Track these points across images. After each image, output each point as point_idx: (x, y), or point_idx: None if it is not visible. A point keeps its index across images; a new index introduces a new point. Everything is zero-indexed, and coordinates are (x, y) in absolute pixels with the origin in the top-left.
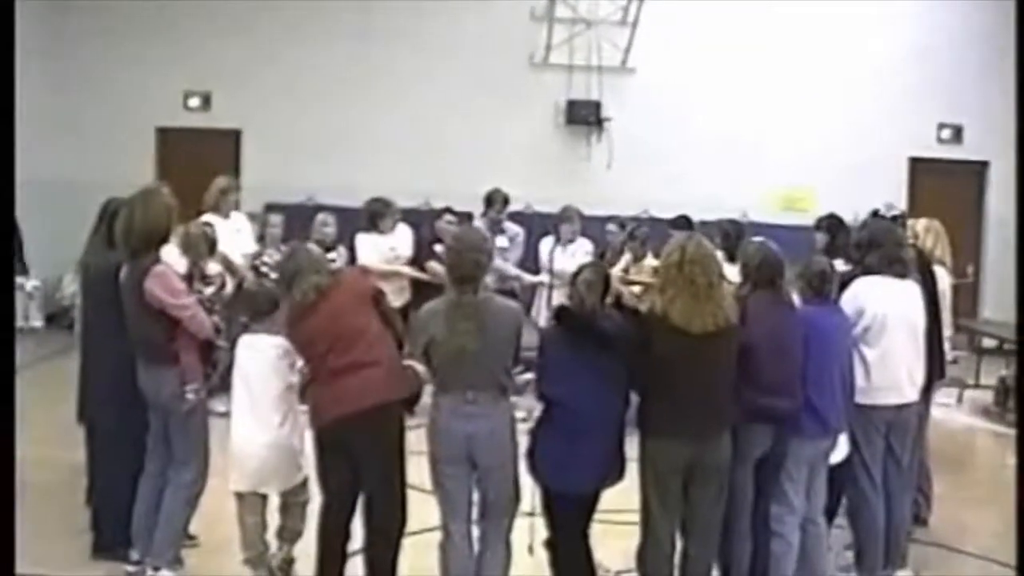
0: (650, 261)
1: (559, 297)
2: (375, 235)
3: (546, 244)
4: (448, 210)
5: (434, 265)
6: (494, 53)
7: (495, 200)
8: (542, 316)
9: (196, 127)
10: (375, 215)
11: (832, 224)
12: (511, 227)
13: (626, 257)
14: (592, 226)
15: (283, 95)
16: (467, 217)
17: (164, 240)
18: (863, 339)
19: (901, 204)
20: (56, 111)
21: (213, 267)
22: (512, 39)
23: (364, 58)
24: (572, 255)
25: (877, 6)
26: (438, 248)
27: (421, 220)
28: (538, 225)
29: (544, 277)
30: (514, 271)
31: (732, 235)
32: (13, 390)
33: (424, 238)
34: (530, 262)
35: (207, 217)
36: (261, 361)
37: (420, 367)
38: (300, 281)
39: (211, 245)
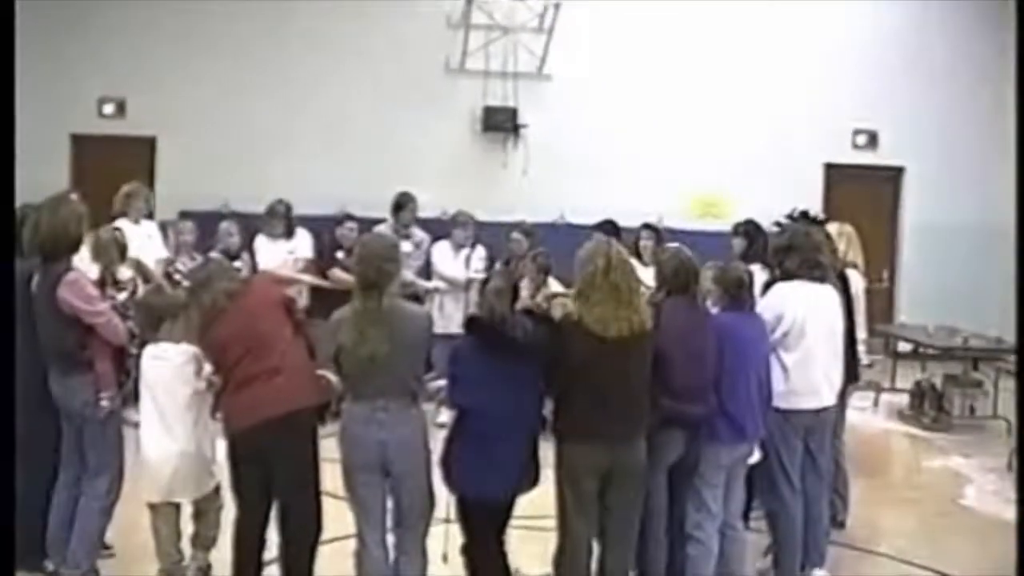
0: (553, 287)
1: (450, 303)
2: (275, 239)
3: (439, 249)
4: (349, 216)
5: (336, 272)
6: (410, 59)
7: (404, 205)
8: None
9: (111, 134)
10: (273, 216)
11: (749, 229)
12: (417, 233)
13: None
14: (506, 233)
15: (199, 102)
16: (370, 223)
17: (74, 247)
18: (782, 344)
19: (817, 209)
20: None
21: (125, 272)
22: (428, 45)
23: (280, 64)
24: (466, 260)
25: (791, 12)
26: (340, 255)
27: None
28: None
29: (437, 283)
30: (410, 277)
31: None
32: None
33: (326, 245)
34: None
35: (118, 223)
36: (167, 369)
37: (331, 375)
38: (210, 287)
39: (121, 250)
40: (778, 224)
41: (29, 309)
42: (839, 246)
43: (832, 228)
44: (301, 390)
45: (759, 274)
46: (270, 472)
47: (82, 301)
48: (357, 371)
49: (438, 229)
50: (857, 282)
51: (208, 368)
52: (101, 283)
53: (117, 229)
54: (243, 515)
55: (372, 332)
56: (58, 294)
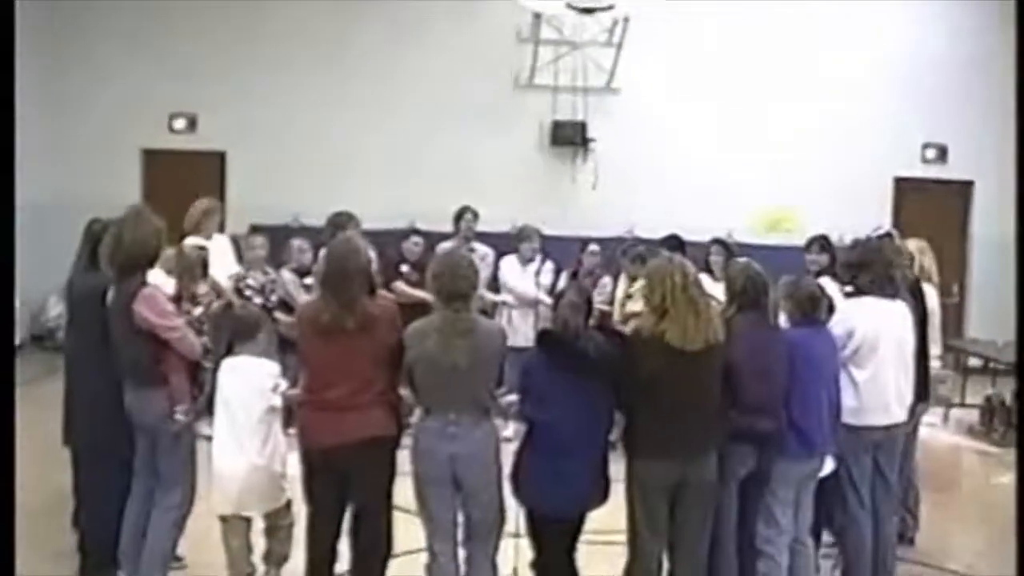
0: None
1: (517, 316)
2: None
3: (507, 263)
4: (414, 231)
5: (400, 285)
6: (479, 75)
7: (460, 215)
8: None
9: (181, 149)
10: (338, 228)
11: (828, 244)
12: (480, 248)
13: (622, 279)
14: (575, 247)
15: (268, 117)
16: (438, 237)
17: (152, 262)
18: (852, 360)
19: (886, 224)
20: (42, 132)
21: (201, 287)
22: (497, 60)
23: (350, 80)
24: (534, 275)
25: (862, 26)
26: (404, 268)
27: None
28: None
29: (506, 296)
30: (480, 291)
31: (734, 253)
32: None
33: (390, 259)
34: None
35: (190, 239)
36: (243, 384)
37: (405, 392)
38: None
39: (204, 267)
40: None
41: (104, 323)
42: (923, 262)
43: (911, 243)
44: (387, 419)
45: (832, 288)
46: (346, 486)
47: (158, 316)
48: (435, 383)
49: (506, 244)
50: (933, 298)
51: (284, 384)
52: (177, 298)
53: (202, 247)
54: (315, 527)
55: (458, 343)
56: (134, 309)
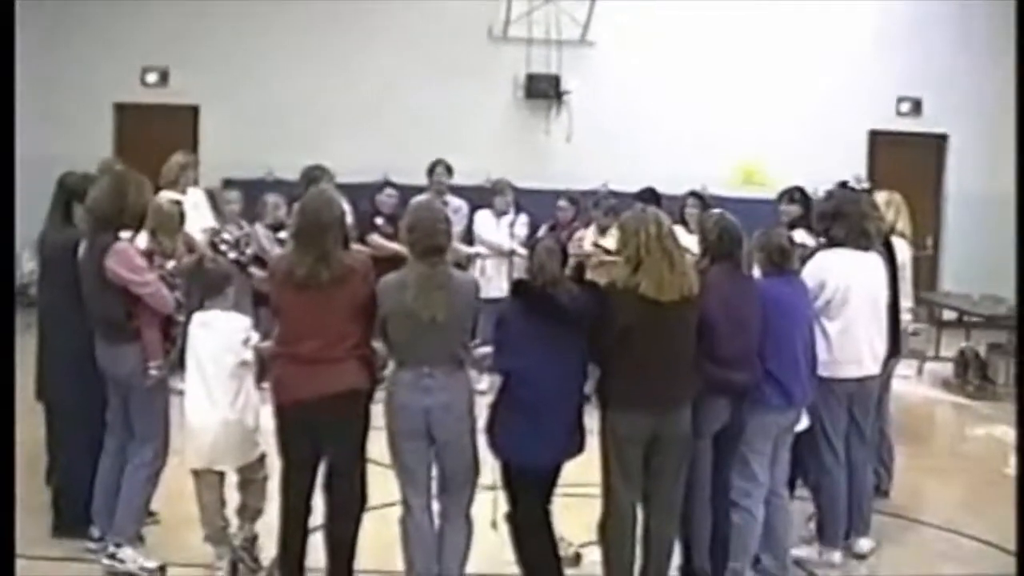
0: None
1: (491, 268)
2: None
3: (481, 216)
4: (388, 183)
5: (375, 238)
6: (453, 27)
7: (433, 168)
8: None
9: (154, 103)
10: (312, 181)
11: (802, 195)
12: (454, 200)
13: (591, 229)
14: (550, 200)
15: (241, 71)
16: (411, 191)
17: (137, 219)
18: (825, 312)
19: (862, 173)
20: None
21: (175, 242)
22: (471, 13)
23: (323, 32)
24: (508, 227)
25: None
26: (379, 221)
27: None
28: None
29: (480, 248)
30: (454, 244)
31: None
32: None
33: (365, 212)
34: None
35: (165, 193)
36: (214, 339)
37: (379, 345)
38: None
39: (181, 221)
40: (828, 192)
41: (75, 277)
42: (887, 215)
43: (880, 197)
44: (361, 372)
45: (806, 240)
46: (320, 441)
47: (129, 271)
48: (411, 336)
49: (481, 197)
50: (904, 251)
51: (255, 337)
52: (149, 253)
53: (177, 201)
54: (289, 481)
55: (436, 295)
56: (106, 264)
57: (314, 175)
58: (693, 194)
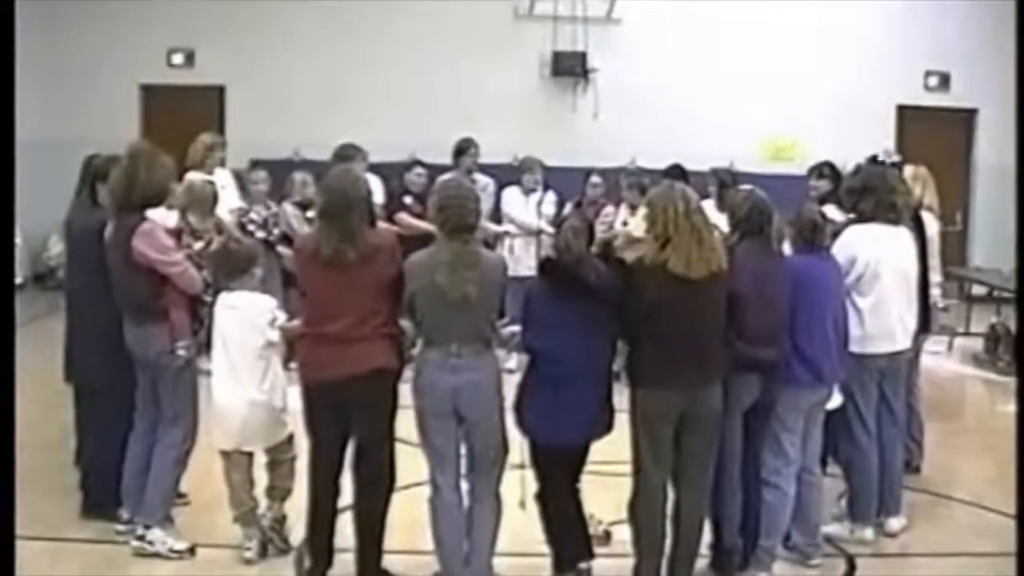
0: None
1: (520, 246)
2: None
3: (509, 194)
4: (418, 162)
5: (404, 216)
6: (479, 5)
7: (465, 150)
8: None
9: (180, 84)
10: (344, 160)
11: (831, 171)
12: (481, 179)
13: (621, 208)
14: (577, 177)
15: (267, 51)
16: (439, 169)
17: (163, 201)
18: (856, 288)
19: (891, 146)
20: (39, 69)
21: (206, 222)
22: None
23: (350, 12)
24: (536, 205)
25: None
26: (407, 200)
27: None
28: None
29: (508, 227)
30: (482, 222)
31: (728, 183)
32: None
33: (394, 190)
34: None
35: (192, 174)
36: (239, 319)
37: (406, 323)
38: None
39: (214, 201)
40: (856, 167)
41: (102, 259)
42: (915, 189)
43: (907, 171)
44: (388, 351)
45: (836, 215)
46: (348, 421)
47: (157, 252)
48: (439, 315)
49: (507, 175)
50: (932, 225)
51: (282, 317)
52: (178, 231)
53: (211, 182)
54: (317, 462)
55: (468, 274)
56: (133, 245)
57: (347, 153)
58: (720, 170)
